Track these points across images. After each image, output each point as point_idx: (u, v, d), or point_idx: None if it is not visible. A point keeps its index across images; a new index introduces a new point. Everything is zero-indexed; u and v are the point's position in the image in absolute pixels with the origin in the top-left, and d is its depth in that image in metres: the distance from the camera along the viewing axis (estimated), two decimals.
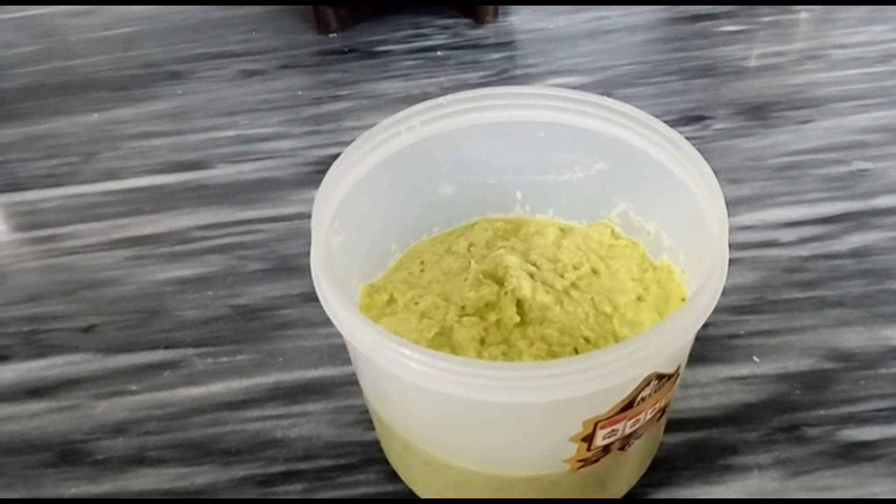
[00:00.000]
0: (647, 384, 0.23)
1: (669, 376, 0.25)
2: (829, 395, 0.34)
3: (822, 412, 0.34)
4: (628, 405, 0.24)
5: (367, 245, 0.31)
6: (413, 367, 0.21)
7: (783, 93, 0.52)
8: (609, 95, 0.53)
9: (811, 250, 0.41)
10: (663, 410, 0.27)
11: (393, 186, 0.31)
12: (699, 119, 0.50)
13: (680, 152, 0.27)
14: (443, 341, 0.29)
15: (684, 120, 0.50)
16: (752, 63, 0.55)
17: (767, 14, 0.60)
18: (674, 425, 0.33)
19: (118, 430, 0.35)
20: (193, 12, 0.63)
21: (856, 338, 0.37)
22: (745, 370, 0.36)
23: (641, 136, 0.29)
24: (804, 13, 0.60)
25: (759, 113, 0.50)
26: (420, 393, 0.23)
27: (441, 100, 0.30)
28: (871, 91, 0.51)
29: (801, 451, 0.32)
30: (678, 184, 0.28)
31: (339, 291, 0.23)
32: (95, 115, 0.54)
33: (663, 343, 0.22)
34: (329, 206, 0.27)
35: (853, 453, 0.32)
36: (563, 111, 0.30)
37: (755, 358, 0.36)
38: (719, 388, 0.35)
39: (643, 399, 0.24)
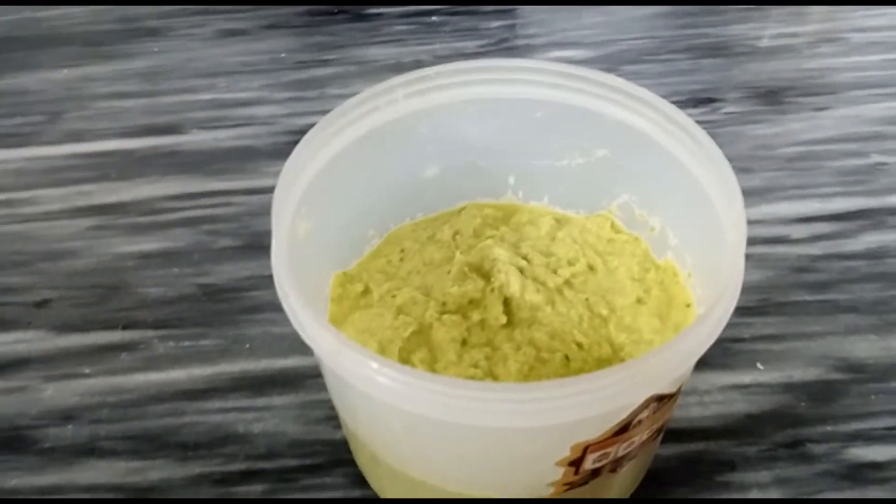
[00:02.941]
0: (646, 407, 0.21)
1: (670, 396, 0.22)
2: (837, 409, 0.32)
3: (828, 428, 0.31)
4: (623, 429, 0.21)
5: (341, 230, 0.28)
6: (382, 384, 0.18)
7: (797, 77, 0.48)
8: (614, 72, 0.49)
9: (823, 249, 0.38)
10: (660, 430, 0.24)
11: (371, 166, 0.28)
12: (708, 101, 0.47)
13: (696, 144, 0.24)
14: (420, 340, 0.26)
15: (692, 102, 0.47)
16: (766, 43, 0.51)
17: None
18: (669, 435, 0.31)
19: (68, 416, 0.33)
20: None
21: (868, 347, 0.34)
22: (747, 378, 0.33)
23: (652, 122, 0.26)
24: None
25: (771, 98, 0.47)
26: (390, 410, 0.20)
27: (428, 71, 0.27)
28: (891, 79, 0.48)
29: (805, 471, 0.30)
30: (691, 179, 0.25)
31: (302, 295, 0.20)
32: (65, 70, 0.50)
33: (667, 368, 0.19)
34: (294, 190, 0.24)
35: (860, 475, 0.30)
36: (564, 89, 0.27)
37: (759, 365, 0.33)
38: (719, 396, 0.32)
39: (640, 421, 0.21)
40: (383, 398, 0.19)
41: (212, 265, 0.38)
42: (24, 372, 0.34)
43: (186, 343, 0.35)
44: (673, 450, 0.30)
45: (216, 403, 0.33)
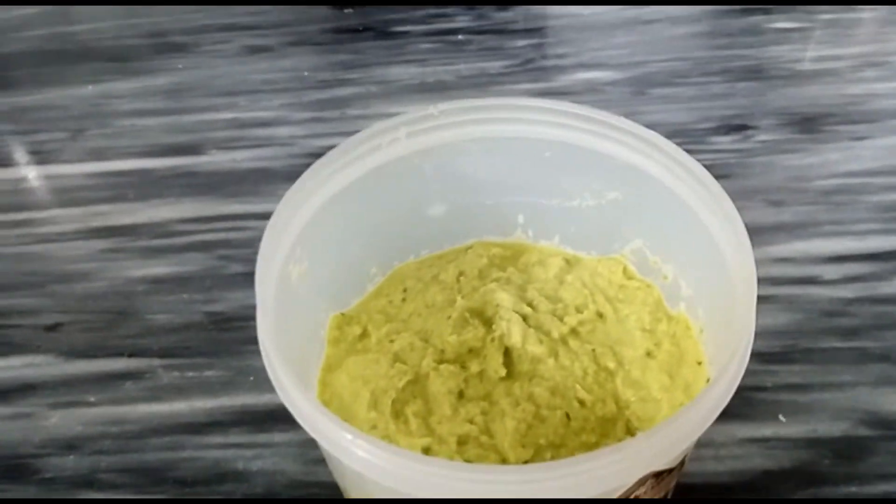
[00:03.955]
0: (642, 484, 0.19)
1: (671, 470, 0.21)
2: (863, 468, 0.30)
3: (853, 488, 0.29)
4: None
5: (339, 270, 0.27)
6: (369, 462, 0.17)
7: (838, 103, 0.46)
8: (643, 95, 0.48)
9: (856, 291, 0.36)
10: (666, 495, 0.23)
11: (372, 205, 0.27)
12: (741, 129, 0.45)
13: (710, 195, 0.23)
14: (416, 391, 0.25)
15: (724, 129, 0.45)
16: (806, 66, 0.49)
17: (827, 11, 0.54)
18: (680, 490, 0.29)
19: (70, 445, 0.32)
20: None
21: None
22: (768, 431, 0.31)
23: (662, 166, 0.25)
24: (867, 13, 0.54)
25: (808, 125, 0.45)
26: (380, 488, 0.19)
27: (432, 109, 0.26)
28: None
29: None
30: (702, 228, 0.23)
31: (290, 369, 0.19)
32: (90, 87, 0.51)
33: (669, 444, 0.18)
34: (286, 235, 0.23)
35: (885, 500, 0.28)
36: (571, 129, 0.26)
37: (781, 417, 0.32)
38: (736, 450, 0.31)
39: (637, 497, 0.20)
40: (371, 476, 0.18)
41: (221, 292, 0.38)
42: (31, 398, 0.34)
43: (190, 373, 0.35)
44: None
45: (216, 438, 0.32)
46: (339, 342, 0.27)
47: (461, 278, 0.29)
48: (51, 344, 0.36)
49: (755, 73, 0.49)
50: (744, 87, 0.48)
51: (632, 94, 0.48)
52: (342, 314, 0.28)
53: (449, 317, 0.27)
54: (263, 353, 0.21)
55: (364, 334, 0.27)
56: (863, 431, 0.31)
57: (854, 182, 0.41)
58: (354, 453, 0.18)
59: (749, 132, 0.45)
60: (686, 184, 0.24)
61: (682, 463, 0.21)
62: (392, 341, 0.27)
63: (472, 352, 0.26)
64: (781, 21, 0.53)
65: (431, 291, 0.28)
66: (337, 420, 0.18)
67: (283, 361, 0.19)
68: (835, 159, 0.42)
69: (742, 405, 0.32)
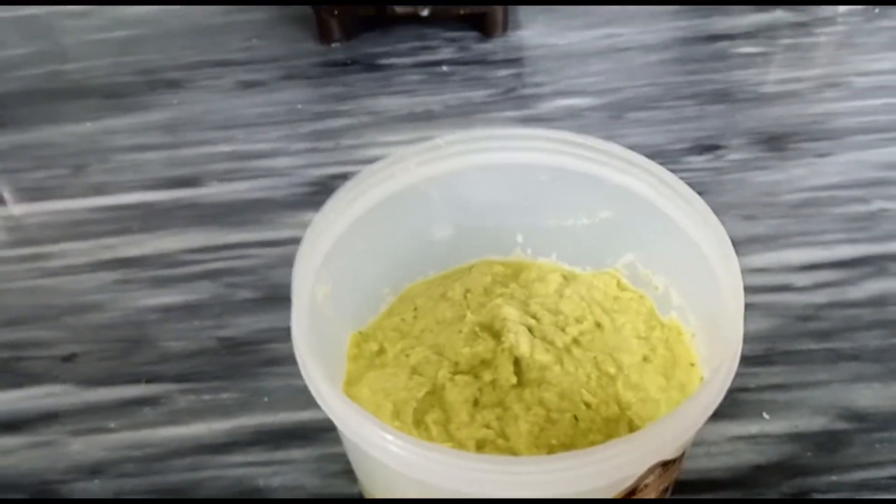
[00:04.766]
0: (652, 472, 0.22)
1: (675, 461, 0.23)
2: (842, 459, 0.33)
3: (834, 478, 0.32)
4: (630, 493, 0.22)
5: (358, 291, 0.29)
6: (398, 455, 0.19)
7: (801, 122, 0.49)
8: (620, 119, 0.51)
9: (827, 297, 0.39)
10: (668, 488, 0.25)
11: (387, 229, 0.29)
12: (713, 148, 0.48)
13: (695, 211, 0.25)
14: (433, 401, 0.27)
15: (698, 149, 0.48)
16: (770, 89, 0.52)
17: (787, 36, 0.57)
18: (678, 487, 0.31)
19: (94, 470, 0.34)
20: (194, 17, 0.61)
21: (872, 395, 0.35)
22: (753, 428, 0.34)
23: (651, 186, 0.27)
24: (823, 37, 0.58)
25: (775, 144, 0.48)
26: (405, 478, 0.21)
27: (439, 141, 0.28)
28: (894, 124, 0.48)
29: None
30: (690, 243, 0.26)
31: (322, 369, 0.21)
32: (88, 123, 0.52)
33: (672, 435, 0.20)
34: (314, 258, 0.25)
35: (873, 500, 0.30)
36: (567, 155, 0.29)
37: (765, 415, 0.34)
38: (727, 447, 0.33)
39: (646, 485, 0.22)
40: (400, 469, 0.20)
41: (231, 318, 0.39)
42: (52, 426, 0.35)
43: (207, 397, 0.36)
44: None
45: (237, 457, 0.34)
46: (359, 358, 0.29)
47: (468, 295, 0.31)
48: (68, 374, 0.38)
49: (723, 96, 0.52)
50: (714, 109, 0.51)
51: (610, 119, 0.50)
52: (360, 332, 0.30)
53: (460, 331, 0.29)
54: (298, 358, 0.22)
55: (381, 351, 0.29)
56: (840, 425, 0.34)
57: (820, 195, 0.44)
58: (390, 450, 0.20)
59: (720, 152, 0.48)
60: (672, 201, 0.26)
61: (683, 455, 0.24)
62: (408, 356, 0.29)
63: (484, 363, 0.28)
64: (745, 46, 0.56)
65: (441, 308, 0.31)
66: (376, 420, 0.20)
67: (318, 366, 0.21)
68: (801, 175, 0.46)
69: (730, 405, 0.34)
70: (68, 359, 0.38)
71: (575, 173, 0.28)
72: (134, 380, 0.37)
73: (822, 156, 0.47)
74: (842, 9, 0.60)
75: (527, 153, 0.29)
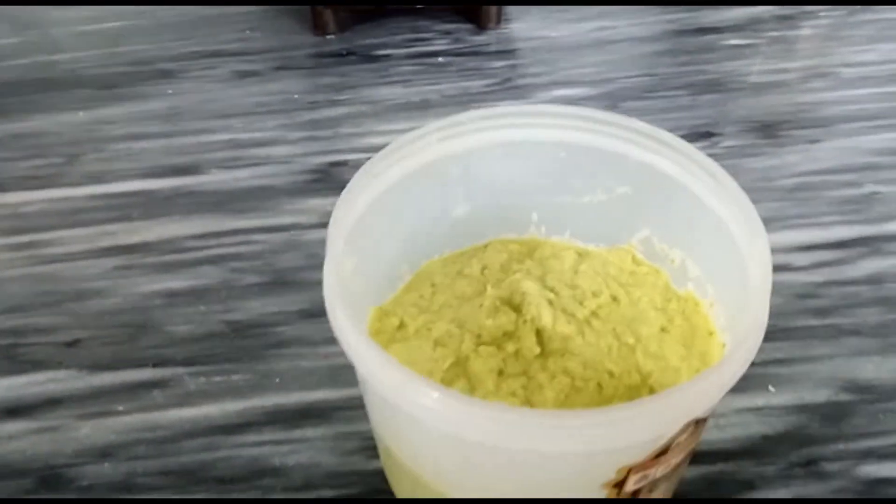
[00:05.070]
0: (685, 431, 0.22)
1: (704, 420, 0.23)
2: (847, 429, 0.33)
3: (840, 446, 0.33)
4: (663, 451, 0.22)
5: (379, 267, 0.30)
6: (450, 417, 0.20)
7: (791, 111, 0.51)
8: (616, 108, 0.51)
9: (825, 276, 0.40)
10: (691, 452, 0.26)
11: (407, 206, 0.29)
12: (708, 136, 0.49)
13: (718, 184, 0.26)
14: (459, 372, 0.27)
15: (693, 136, 0.49)
16: (760, 79, 0.54)
17: (772, 29, 0.59)
18: (691, 458, 0.32)
19: (104, 454, 0.33)
20: (186, 9, 0.61)
21: (873, 368, 0.36)
22: (760, 401, 0.34)
23: (674, 162, 0.28)
24: (807, 30, 0.59)
25: (768, 131, 0.49)
26: (448, 441, 0.21)
27: (461, 116, 0.29)
28: (882, 112, 0.50)
29: (821, 488, 0.31)
30: (713, 216, 0.27)
31: (363, 334, 0.21)
32: (81, 113, 0.52)
33: (709, 394, 0.20)
34: (341, 229, 0.25)
35: (874, 491, 0.31)
36: (588, 132, 0.29)
37: (771, 388, 0.35)
38: (735, 419, 0.34)
39: (678, 444, 0.23)
40: (446, 428, 0.20)
41: (238, 302, 0.39)
42: (57, 411, 0.35)
43: (217, 378, 0.36)
44: (695, 472, 0.32)
45: (251, 437, 0.34)
46: (381, 333, 0.29)
47: (485, 271, 0.31)
48: (72, 359, 0.37)
49: (715, 85, 0.53)
50: (707, 98, 0.52)
51: (606, 108, 0.51)
52: (380, 308, 0.30)
53: (481, 305, 0.29)
54: (333, 321, 0.23)
55: (401, 325, 0.29)
56: (844, 397, 0.34)
57: (814, 180, 0.45)
58: (438, 410, 0.20)
59: (716, 139, 0.49)
60: (697, 177, 0.27)
61: (706, 419, 0.24)
62: (429, 329, 0.29)
63: (507, 334, 0.28)
64: (733, 38, 0.58)
65: (459, 284, 0.31)
66: (422, 378, 0.20)
67: (354, 327, 0.21)
68: (794, 160, 0.47)
69: None
70: (72, 344, 0.38)
71: (595, 149, 0.29)
72: (141, 364, 0.37)
73: (813, 142, 0.48)
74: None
75: (546, 130, 0.29)
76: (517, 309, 0.29)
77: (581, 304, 0.30)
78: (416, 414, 0.21)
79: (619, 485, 0.23)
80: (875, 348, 0.36)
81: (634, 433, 0.20)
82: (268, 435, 0.34)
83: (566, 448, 0.20)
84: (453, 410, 0.20)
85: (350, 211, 0.26)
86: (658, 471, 0.23)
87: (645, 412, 0.20)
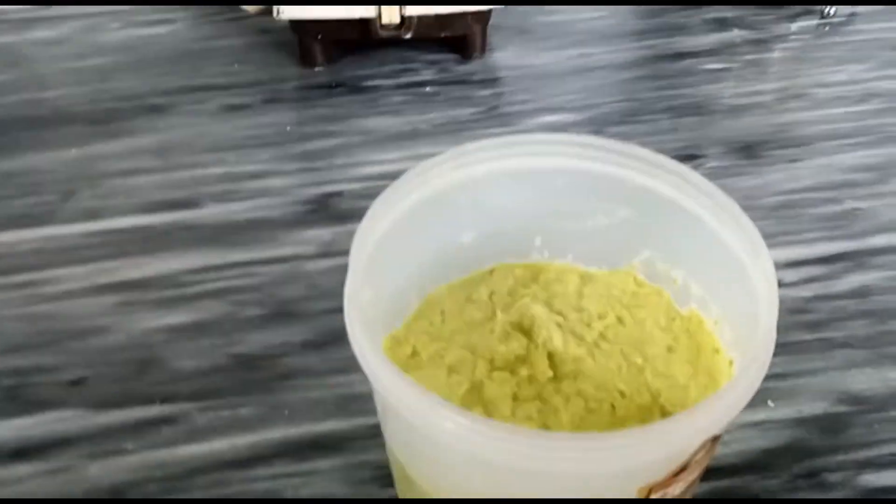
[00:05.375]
0: (703, 447, 0.23)
1: (719, 436, 0.24)
2: (845, 440, 0.35)
3: (840, 457, 0.34)
4: (682, 469, 0.23)
5: (391, 296, 0.30)
6: (476, 441, 0.20)
7: (771, 131, 0.52)
8: (601, 133, 0.53)
9: (813, 291, 0.41)
10: (707, 468, 0.26)
11: (419, 235, 0.30)
12: (692, 158, 0.50)
13: (716, 204, 0.27)
14: (474, 398, 0.28)
15: (678, 159, 0.49)
16: (738, 101, 0.55)
17: (747, 53, 0.61)
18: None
19: (115, 493, 0.33)
20: (170, 44, 0.61)
21: (865, 379, 0.37)
22: (761, 415, 0.35)
23: (672, 185, 0.29)
24: (777, 52, 0.62)
25: (749, 152, 0.51)
26: (474, 464, 0.22)
27: (469, 146, 0.29)
28: (856, 130, 0.52)
29: (825, 499, 0.32)
30: (713, 235, 0.28)
31: (387, 361, 0.22)
32: (73, 150, 0.52)
33: (731, 405, 0.21)
34: (362, 258, 0.26)
35: (876, 500, 0.32)
36: (588, 159, 0.30)
37: (770, 402, 0.36)
38: (738, 434, 0.35)
39: (696, 461, 0.23)
40: (470, 451, 0.21)
41: (242, 335, 0.39)
42: (66, 452, 0.35)
43: (225, 413, 0.36)
44: (704, 487, 0.32)
45: (262, 471, 0.34)
46: (395, 361, 0.29)
47: (493, 297, 0.32)
48: (77, 398, 0.37)
49: (696, 108, 0.55)
50: (688, 121, 0.54)
51: (592, 133, 0.52)
52: (392, 336, 0.30)
53: (492, 330, 0.30)
54: (354, 344, 0.23)
55: (414, 353, 0.30)
56: (840, 408, 0.36)
57: (796, 198, 0.47)
58: (467, 436, 0.21)
59: (699, 160, 0.50)
60: (696, 199, 0.28)
61: (721, 434, 0.25)
62: (442, 357, 0.29)
63: (519, 359, 0.29)
64: (709, 63, 0.59)
65: (468, 311, 0.31)
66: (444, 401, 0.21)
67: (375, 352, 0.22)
68: (776, 179, 0.48)
69: None
70: (76, 383, 0.38)
71: (596, 174, 0.30)
72: (148, 400, 0.37)
73: (793, 161, 0.50)
74: (794, 26, 0.64)
75: (552, 158, 0.30)
76: (528, 333, 0.30)
77: (588, 326, 0.30)
78: (442, 438, 0.21)
79: None
80: (866, 360, 0.38)
81: (657, 452, 0.21)
82: (279, 468, 0.34)
83: (593, 470, 0.20)
84: (484, 436, 0.20)
85: (369, 240, 0.26)
86: (677, 488, 0.24)
87: (669, 430, 0.21)
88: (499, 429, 0.21)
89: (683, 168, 0.28)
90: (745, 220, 0.26)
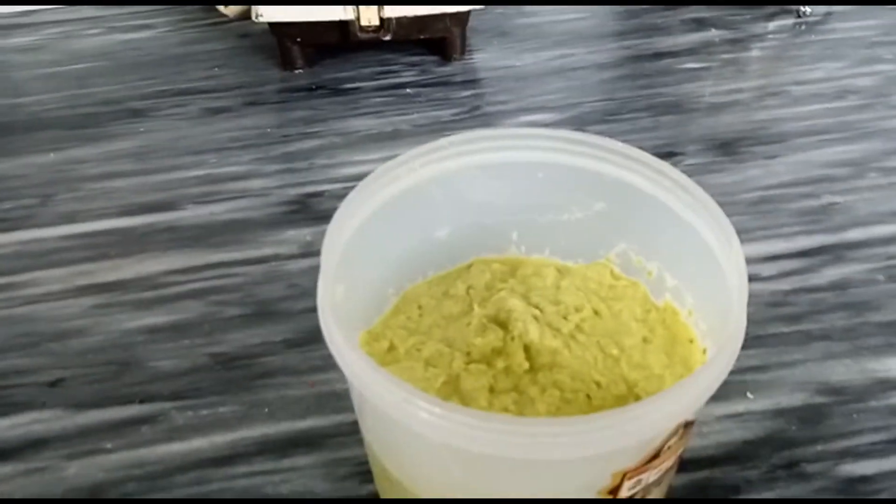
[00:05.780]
0: (675, 433, 0.23)
1: (692, 423, 0.24)
2: (825, 430, 0.35)
3: (819, 448, 0.34)
4: (655, 455, 0.23)
5: (366, 292, 0.30)
6: (451, 429, 0.20)
7: (749, 128, 0.53)
8: (583, 132, 0.53)
9: (792, 284, 0.41)
10: (681, 456, 0.27)
11: (392, 231, 0.30)
12: (671, 155, 0.51)
13: (691, 196, 0.27)
14: (450, 390, 0.28)
15: (657, 156, 0.50)
16: (717, 99, 0.56)
17: (724, 52, 0.61)
18: (679, 465, 0.33)
19: (94, 492, 0.33)
20: (150, 49, 0.61)
21: (844, 371, 0.37)
22: (740, 407, 0.36)
23: (647, 178, 0.29)
24: (755, 51, 0.62)
25: (727, 148, 0.51)
26: (450, 454, 0.22)
27: (443, 141, 0.30)
28: (832, 126, 0.52)
29: (803, 489, 0.32)
30: (687, 227, 0.28)
31: (361, 353, 0.22)
32: (51, 154, 0.51)
33: (701, 390, 0.21)
34: (333, 254, 0.26)
35: (854, 489, 0.32)
36: (564, 153, 0.30)
37: (749, 394, 0.36)
38: (716, 426, 0.35)
39: (669, 447, 0.24)
40: (445, 440, 0.21)
41: (222, 335, 0.39)
42: (44, 452, 0.34)
43: (205, 412, 0.36)
44: (683, 479, 0.33)
45: (242, 468, 0.34)
46: (372, 356, 0.29)
47: (470, 291, 0.32)
48: (56, 399, 0.37)
49: (675, 107, 0.55)
50: (667, 119, 0.54)
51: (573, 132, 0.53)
52: (369, 332, 0.30)
53: (469, 324, 0.30)
54: (329, 342, 0.23)
55: (391, 347, 0.30)
56: (819, 399, 0.36)
57: (774, 193, 0.47)
58: (440, 424, 0.21)
59: (678, 158, 0.50)
60: (671, 191, 0.28)
61: (693, 422, 0.25)
62: (419, 350, 0.29)
63: (496, 351, 0.29)
64: (688, 62, 0.60)
65: (446, 305, 0.31)
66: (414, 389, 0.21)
67: (351, 348, 0.22)
68: (754, 175, 0.49)
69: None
70: (54, 384, 0.37)
71: (572, 168, 0.30)
72: (127, 400, 0.36)
73: (771, 157, 0.50)
74: (770, 25, 0.64)
75: (527, 152, 0.30)
76: (504, 326, 0.30)
77: (565, 318, 0.30)
78: (417, 428, 0.21)
79: (615, 490, 0.24)
80: (845, 351, 0.38)
81: (629, 436, 0.21)
82: (258, 465, 0.34)
83: (568, 455, 0.20)
84: (458, 423, 0.20)
85: (339, 238, 0.26)
86: (651, 475, 0.24)
87: (639, 415, 0.21)
88: (472, 416, 0.21)
89: (658, 161, 0.29)
90: (717, 211, 0.26)
